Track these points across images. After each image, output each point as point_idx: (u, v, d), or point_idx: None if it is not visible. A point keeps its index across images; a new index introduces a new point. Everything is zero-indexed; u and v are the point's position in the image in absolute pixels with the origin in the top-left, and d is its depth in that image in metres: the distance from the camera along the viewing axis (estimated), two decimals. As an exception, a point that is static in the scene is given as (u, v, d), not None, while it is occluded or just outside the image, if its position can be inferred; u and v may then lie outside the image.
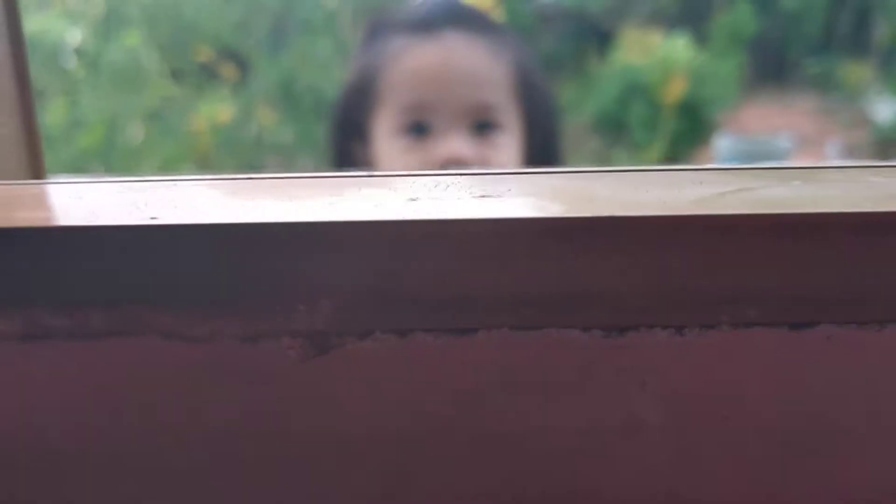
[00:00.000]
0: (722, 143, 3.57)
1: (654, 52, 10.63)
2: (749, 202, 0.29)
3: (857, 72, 12.81)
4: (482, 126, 0.80)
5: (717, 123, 10.02)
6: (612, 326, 0.28)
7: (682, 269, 0.28)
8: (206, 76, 3.19)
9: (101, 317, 0.28)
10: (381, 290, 0.28)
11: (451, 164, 0.77)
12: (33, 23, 2.86)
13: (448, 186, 0.31)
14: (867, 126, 11.26)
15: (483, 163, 0.79)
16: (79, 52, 2.85)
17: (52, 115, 3.61)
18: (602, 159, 9.07)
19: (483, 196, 0.30)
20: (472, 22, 0.82)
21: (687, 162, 9.32)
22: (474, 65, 0.80)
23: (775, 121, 12.56)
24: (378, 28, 0.86)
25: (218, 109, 3.94)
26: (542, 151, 0.86)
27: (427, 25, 0.81)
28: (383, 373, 0.29)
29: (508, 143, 0.82)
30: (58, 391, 0.28)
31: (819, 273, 0.28)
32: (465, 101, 0.79)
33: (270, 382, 0.29)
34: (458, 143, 0.78)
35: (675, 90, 8.43)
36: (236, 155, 3.16)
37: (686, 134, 9.08)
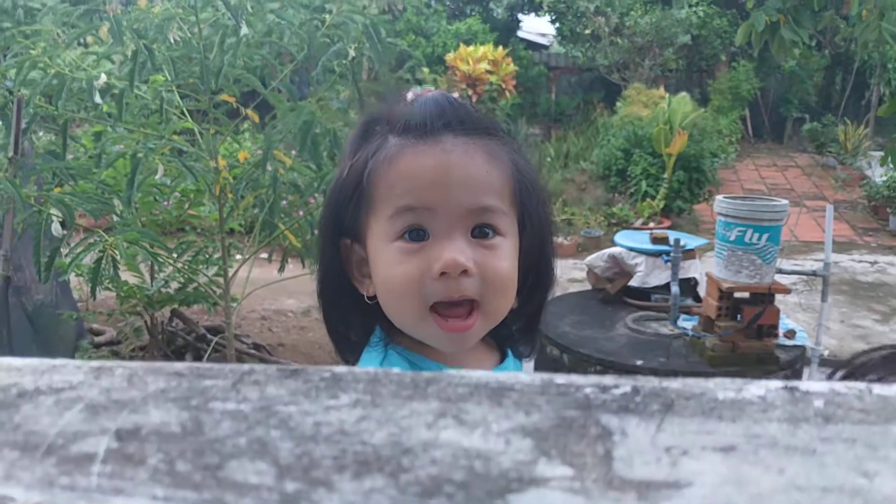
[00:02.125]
0: (721, 202, 3.48)
1: (657, 106, 10.68)
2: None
3: (853, 132, 12.89)
4: (481, 230, 0.74)
5: (715, 178, 10.00)
6: None
7: None
8: (228, 117, 3.12)
9: None
10: None
11: (451, 269, 0.70)
12: (67, 57, 2.81)
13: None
14: (862, 184, 11.23)
15: (482, 269, 0.72)
16: (107, 88, 2.78)
17: (79, 148, 3.55)
18: (606, 206, 9.02)
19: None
20: (470, 124, 0.74)
21: (687, 215, 9.20)
22: (473, 168, 0.73)
23: (773, 177, 12.60)
24: (372, 124, 0.78)
25: (238, 149, 3.87)
26: (536, 255, 0.80)
27: (425, 127, 0.73)
28: None
29: (507, 248, 0.75)
30: None
31: None
32: (464, 205, 0.72)
33: None
34: (457, 249, 0.71)
35: (677, 144, 8.41)
36: (254, 191, 3.10)
37: (686, 187, 9.04)
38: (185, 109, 2.97)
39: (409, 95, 0.78)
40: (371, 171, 0.74)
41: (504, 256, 0.74)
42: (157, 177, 2.87)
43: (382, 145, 0.74)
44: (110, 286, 3.67)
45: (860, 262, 7.86)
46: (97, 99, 2.80)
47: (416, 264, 0.72)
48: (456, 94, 0.80)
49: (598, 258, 4.33)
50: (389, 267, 0.74)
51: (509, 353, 0.85)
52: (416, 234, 0.73)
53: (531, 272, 0.80)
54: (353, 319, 0.82)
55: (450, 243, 0.72)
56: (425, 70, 10.87)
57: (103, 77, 2.78)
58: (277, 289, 3.46)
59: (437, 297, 0.72)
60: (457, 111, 0.74)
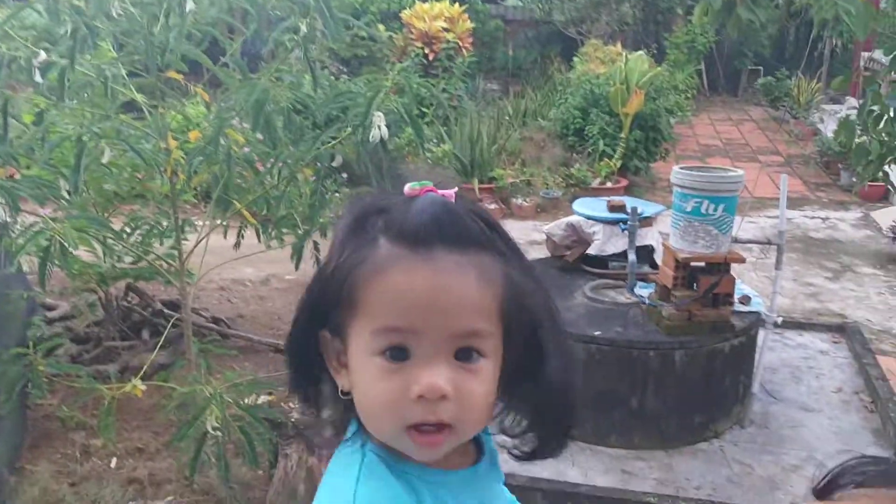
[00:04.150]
0: (677, 173, 3.48)
1: (614, 63, 10.65)
2: None
3: (806, 86, 12.98)
4: (465, 352, 0.72)
5: (672, 135, 10.04)
6: None
7: None
8: (178, 94, 3.02)
9: None
10: None
11: (430, 394, 0.69)
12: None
13: None
14: (814, 139, 11.38)
15: (460, 393, 0.70)
16: (48, 66, 2.67)
17: (22, 128, 3.41)
18: (564, 166, 9.03)
19: None
20: (466, 237, 0.71)
21: (644, 174, 9.27)
22: (464, 290, 0.70)
23: (728, 132, 12.69)
24: (364, 219, 0.74)
25: (188, 123, 3.76)
26: (517, 367, 0.76)
27: (418, 237, 0.70)
28: None
29: (488, 370, 0.73)
30: None
31: None
32: (453, 329, 0.70)
33: None
34: (437, 374, 0.69)
35: (633, 104, 8.41)
36: (207, 167, 3.02)
37: (642, 146, 9.06)
38: (131, 86, 2.86)
39: (407, 188, 0.74)
40: (358, 278, 0.71)
41: (484, 380, 0.72)
42: (103, 159, 2.78)
43: (372, 250, 0.71)
44: (59, 265, 3.57)
45: (812, 218, 7.99)
46: (38, 78, 2.70)
47: (397, 385, 0.70)
48: (452, 191, 0.75)
49: (556, 226, 4.33)
50: (369, 383, 0.72)
51: (485, 444, 0.82)
52: (398, 354, 0.70)
53: (518, 370, 0.76)
54: (324, 392, 0.80)
55: (430, 367, 0.70)
56: (381, 27, 10.64)
57: (43, 55, 2.67)
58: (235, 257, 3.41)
59: (414, 420, 0.70)
60: (454, 224, 0.71)
